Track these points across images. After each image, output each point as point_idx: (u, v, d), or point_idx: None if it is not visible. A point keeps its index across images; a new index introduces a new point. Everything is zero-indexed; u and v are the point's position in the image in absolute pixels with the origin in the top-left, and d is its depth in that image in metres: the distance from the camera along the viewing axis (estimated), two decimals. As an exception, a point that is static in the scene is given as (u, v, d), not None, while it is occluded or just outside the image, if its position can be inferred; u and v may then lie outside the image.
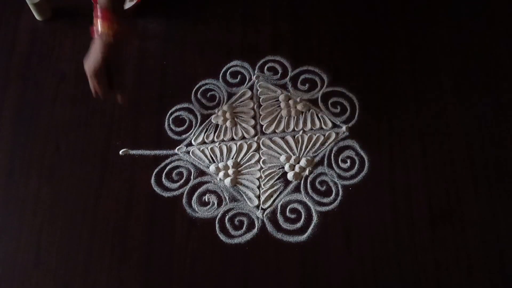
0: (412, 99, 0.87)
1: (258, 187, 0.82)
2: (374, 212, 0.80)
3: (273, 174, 0.83)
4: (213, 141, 0.85)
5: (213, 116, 0.87)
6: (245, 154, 0.84)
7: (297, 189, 0.82)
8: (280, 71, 0.90)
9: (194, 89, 0.89)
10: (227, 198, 0.81)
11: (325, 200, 0.81)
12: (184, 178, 0.83)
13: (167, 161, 0.84)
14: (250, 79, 0.90)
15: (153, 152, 0.85)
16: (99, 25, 0.78)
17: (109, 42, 0.78)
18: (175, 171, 0.83)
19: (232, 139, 0.86)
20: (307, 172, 0.82)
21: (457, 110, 0.87)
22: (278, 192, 0.82)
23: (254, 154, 0.84)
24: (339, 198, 0.81)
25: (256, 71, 0.90)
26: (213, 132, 0.86)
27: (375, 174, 0.82)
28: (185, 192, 0.82)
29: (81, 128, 0.87)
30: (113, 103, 0.88)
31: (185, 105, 0.88)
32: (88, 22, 0.95)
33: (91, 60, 0.78)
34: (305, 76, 0.90)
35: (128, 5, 0.94)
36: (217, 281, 0.76)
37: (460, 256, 0.77)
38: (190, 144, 0.85)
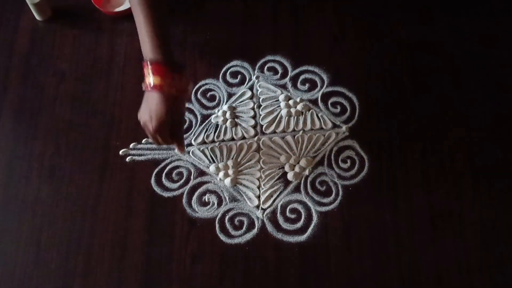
0: (412, 99, 0.87)
1: (258, 187, 0.82)
2: (374, 212, 0.80)
3: (273, 174, 0.83)
4: (213, 141, 0.85)
5: (213, 116, 0.87)
6: (245, 154, 0.84)
7: (297, 189, 0.82)
8: (280, 71, 0.90)
9: (194, 89, 0.89)
10: (227, 198, 0.81)
11: (325, 200, 0.81)
12: (184, 178, 0.83)
13: (167, 161, 0.84)
14: (250, 79, 0.90)
15: (153, 152, 0.85)
16: (151, 78, 0.72)
17: (171, 95, 0.72)
18: (175, 171, 0.83)
19: (232, 139, 0.86)
20: (307, 172, 0.82)
21: (457, 111, 0.87)
22: (278, 192, 0.82)
23: (254, 154, 0.84)
24: (339, 198, 0.81)
25: (256, 71, 0.90)
26: (213, 132, 0.86)
27: (375, 174, 0.82)
28: (185, 192, 0.82)
29: (81, 128, 0.87)
30: (113, 103, 0.89)
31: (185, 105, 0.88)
32: (88, 22, 0.96)
33: (153, 117, 0.72)
34: (305, 76, 0.90)
35: (128, 6, 0.94)
36: (217, 281, 0.76)
37: (460, 256, 0.77)
38: (190, 144, 0.85)
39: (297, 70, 0.90)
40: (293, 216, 0.80)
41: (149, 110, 0.73)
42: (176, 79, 0.73)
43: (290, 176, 0.82)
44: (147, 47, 0.73)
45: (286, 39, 0.93)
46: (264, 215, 0.80)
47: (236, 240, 0.79)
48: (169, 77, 0.72)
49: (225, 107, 0.87)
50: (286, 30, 0.94)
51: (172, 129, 0.75)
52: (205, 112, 0.88)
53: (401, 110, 0.87)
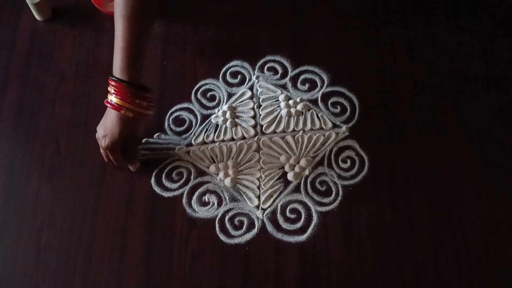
0: (412, 99, 0.87)
1: (258, 187, 0.82)
2: (374, 212, 0.80)
3: (273, 174, 0.83)
4: (213, 141, 0.85)
5: (213, 116, 0.87)
6: (245, 154, 0.84)
7: (297, 189, 0.82)
8: (280, 71, 0.90)
9: (194, 89, 0.89)
10: (227, 198, 0.81)
11: (325, 200, 0.81)
12: (184, 178, 0.83)
13: (167, 161, 0.84)
14: (250, 79, 0.90)
15: (153, 152, 0.85)
16: (112, 97, 0.73)
17: (127, 116, 0.73)
18: (175, 171, 0.83)
19: (232, 139, 0.86)
20: (307, 172, 0.82)
21: (457, 110, 0.87)
22: (278, 192, 0.82)
23: (254, 154, 0.84)
24: (339, 198, 0.81)
25: (256, 71, 0.90)
26: (213, 132, 0.86)
27: (375, 174, 0.82)
28: (185, 192, 0.82)
29: (81, 128, 0.87)
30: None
31: (185, 105, 0.88)
32: (88, 22, 0.96)
33: (108, 135, 0.74)
34: (305, 76, 0.90)
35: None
36: (217, 281, 0.76)
37: (460, 256, 0.77)
38: (190, 144, 0.85)
39: (297, 70, 0.90)
40: (293, 216, 0.80)
41: (105, 126, 0.75)
42: (136, 104, 0.74)
43: (290, 176, 0.82)
44: (117, 64, 0.73)
45: (286, 39, 0.93)
46: (264, 215, 0.80)
47: (236, 240, 0.79)
48: (129, 101, 0.73)
49: (225, 107, 0.87)
50: (286, 30, 0.94)
51: (125, 149, 0.77)
52: (205, 112, 0.88)
53: (401, 110, 0.87)
